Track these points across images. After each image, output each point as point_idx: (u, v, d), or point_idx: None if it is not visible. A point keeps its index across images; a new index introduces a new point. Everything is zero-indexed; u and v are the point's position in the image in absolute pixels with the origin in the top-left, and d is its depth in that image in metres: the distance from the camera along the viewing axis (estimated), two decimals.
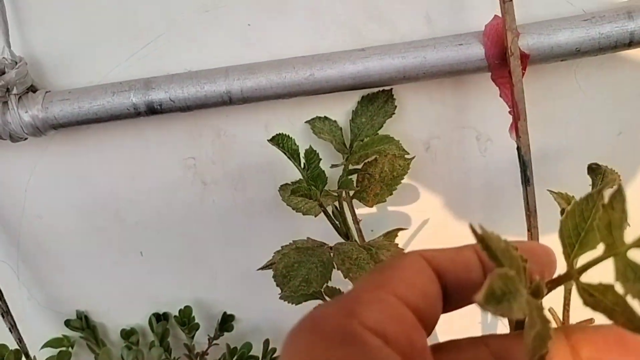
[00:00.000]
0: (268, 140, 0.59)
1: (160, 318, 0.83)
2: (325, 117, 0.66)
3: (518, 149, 0.58)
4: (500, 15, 0.54)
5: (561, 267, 0.32)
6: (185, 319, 0.80)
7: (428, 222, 0.72)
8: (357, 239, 0.66)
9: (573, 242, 0.32)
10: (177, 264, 0.79)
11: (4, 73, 0.59)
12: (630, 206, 0.27)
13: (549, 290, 0.31)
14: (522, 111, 0.55)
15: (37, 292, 0.83)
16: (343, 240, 0.65)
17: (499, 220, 0.71)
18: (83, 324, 0.83)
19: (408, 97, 0.64)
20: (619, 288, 0.28)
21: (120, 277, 0.81)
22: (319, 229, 0.74)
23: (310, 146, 0.62)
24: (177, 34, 0.62)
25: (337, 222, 0.65)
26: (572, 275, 0.29)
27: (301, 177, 0.69)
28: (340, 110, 0.66)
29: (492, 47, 0.55)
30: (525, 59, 0.54)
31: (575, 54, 0.55)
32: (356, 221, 0.67)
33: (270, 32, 0.62)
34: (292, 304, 0.69)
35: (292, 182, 0.69)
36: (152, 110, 0.60)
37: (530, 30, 0.54)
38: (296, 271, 0.53)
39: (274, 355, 0.79)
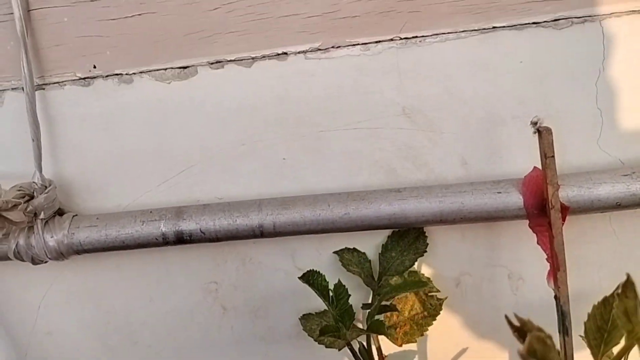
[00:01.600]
0: (299, 277, 0.57)
1: None
2: (355, 249, 0.64)
3: (556, 298, 0.56)
4: (538, 165, 0.54)
5: None
6: None
7: (463, 354, 0.69)
8: None
9: (598, 343, 0.36)
10: None
11: (32, 197, 0.58)
12: None
13: None
14: (562, 262, 0.54)
15: None
16: None
17: None
18: None
19: (440, 234, 0.63)
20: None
21: None
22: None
23: (339, 280, 0.60)
24: (212, 164, 0.62)
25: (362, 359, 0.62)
26: None
27: (325, 309, 0.67)
28: (369, 243, 0.65)
29: (530, 198, 0.54)
30: (565, 211, 0.54)
31: (615, 208, 0.54)
32: (381, 357, 0.64)
33: (305, 167, 0.61)
34: None
35: (315, 313, 0.67)
36: (181, 241, 0.59)
37: (570, 182, 0.54)
38: None
39: None
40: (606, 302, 0.37)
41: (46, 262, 0.62)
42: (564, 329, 0.57)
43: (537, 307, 0.66)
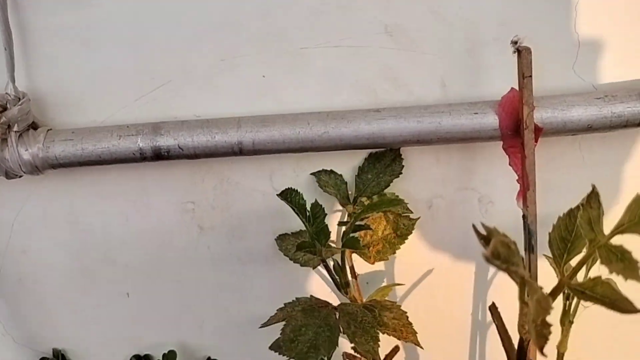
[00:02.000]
0: (277, 194, 0.58)
1: None
2: (331, 171, 0.65)
3: (524, 217, 0.58)
4: (516, 87, 0.55)
5: None
6: None
7: (426, 278, 0.72)
8: (354, 293, 0.66)
9: (561, 252, 0.39)
10: (164, 307, 0.77)
11: (5, 109, 0.57)
12: None
13: (553, 299, 0.36)
14: (532, 182, 0.56)
15: (13, 328, 0.79)
16: (341, 293, 0.64)
17: (497, 282, 0.71)
18: None
19: (415, 156, 0.65)
20: (605, 275, 0.35)
21: (102, 318, 0.78)
22: (314, 280, 0.73)
23: (316, 200, 0.61)
24: (190, 80, 0.61)
25: (336, 277, 0.64)
26: (563, 282, 0.35)
27: (301, 230, 0.68)
28: (346, 165, 0.66)
29: (506, 118, 0.56)
30: (539, 132, 0.55)
31: (586, 130, 0.56)
32: (354, 275, 0.67)
33: (285, 85, 0.61)
34: (283, 355, 0.67)
35: (291, 233, 0.69)
36: (159, 157, 0.59)
37: (544, 104, 0.55)
38: (303, 335, 0.51)
39: None
40: (571, 213, 0.39)
41: (21, 176, 0.61)
42: (530, 247, 0.60)
43: (505, 229, 0.68)
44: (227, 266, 0.73)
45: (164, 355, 0.78)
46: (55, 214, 0.69)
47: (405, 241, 0.64)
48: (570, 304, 0.58)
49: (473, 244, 0.70)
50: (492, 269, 0.72)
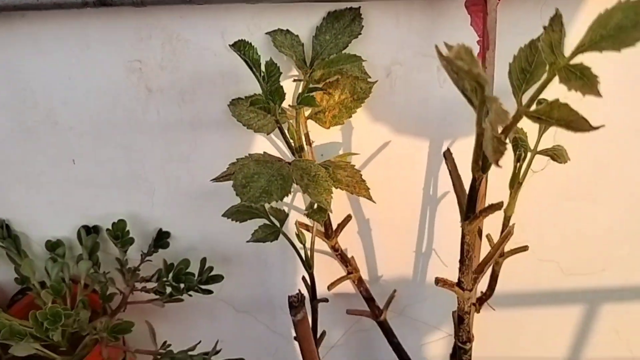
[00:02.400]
0: (230, 45, 0.55)
1: (90, 231, 0.79)
2: (288, 31, 0.62)
3: None
4: None
5: None
6: (119, 232, 0.76)
7: (382, 150, 0.72)
8: (308, 157, 0.65)
9: (520, 83, 0.39)
10: (113, 175, 0.75)
11: None
12: None
13: (511, 128, 0.38)
14: (492, 41, 0.55)
15: None
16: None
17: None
18: (4, 233, 0.77)
19: (375, 17, 0.62)
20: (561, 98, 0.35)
21: (48, 186, 0.75)
22: (268, 148, 0.72)
23: (271, 59, 0.59)
24: None
25: (291, 141, 0.63)
26: (521, 111, 0.35)
27: (255, 93, 0.66)
28: (303, 24, 0.63)
29: None
30: None
31: None
32: (309, 142, 0.66)
33: None
34: (236, 221, 0.67)
35: (245, 97, 0.66)
36: (102, 3, 0.55)
37: None
38: (256, 182, 0.51)
39: (211, 273, 0.77)
40: (532, 44, 0.38)
41: None
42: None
43: (462, 100, 0.67)
44: (178, 133, 0.70)
45: (113, 224, 0.77)
46: None
47: (362, 105, 0.63)
48: (520, 166, 0.59)
49: (429, 115, 0.70)
50: (446, 142, 0.72)
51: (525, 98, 0.40)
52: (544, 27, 0.34)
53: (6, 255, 0.78)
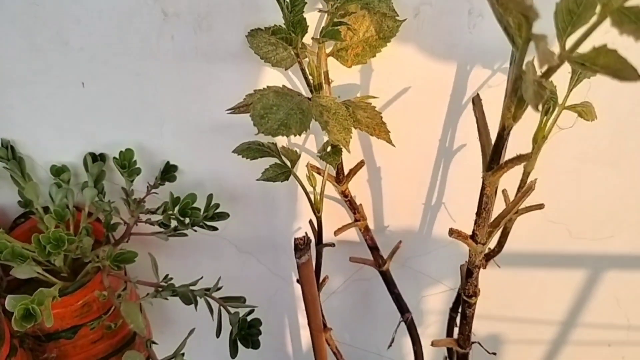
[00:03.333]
0: None
1: (96, 158, 0.77)
2: None
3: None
4: None
5: None
6: (126, 162, 0.74)
7: (404, 93, 0.69)
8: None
9: (566, 25, 0.37)
10: (122, 103, 0.72)
11: None
12: None
13: (547, 78, 0.36)
14: None
15: None
16: None
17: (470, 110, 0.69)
18: (8, 154, 0.75)
19: None
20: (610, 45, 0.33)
21: (55, 108, 0.73)
22: (285, 84, 0.69)
23: None
24: None
25: (310, 78, 0.60)
26: (564, 55, 0.34)
27: (275, 25, 0.63)
28: None
29: None
30: None
31: None
32: (328, 81, 0.63)
33: None
34: (247, 158, 0.65)
35: (264, 28, 0.63)
36: None
37: None
38: (274, 114, 0.48)
39: (217, 210, 0.76)
40: None
41: None
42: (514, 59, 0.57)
43: (491, 47, 0.65)
44: (192, 62, 0.68)
45: (120, 153, 0.75)
46: None
47: (387, 44, 0.60)
48: (547, 120, 0.57)
49: (455, 62, 0.67)
50: (468, 94, 0.70)
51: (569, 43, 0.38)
52: None
53: (10, 178, 0.77)
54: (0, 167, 0.76)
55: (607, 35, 0.35)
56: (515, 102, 0.39)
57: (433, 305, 0.96)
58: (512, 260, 0.88)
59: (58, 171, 0.77)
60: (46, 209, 0.76)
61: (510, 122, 0.40)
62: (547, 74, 0.35)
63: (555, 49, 0.38)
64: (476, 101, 0.49)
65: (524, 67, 0.35)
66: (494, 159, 0.45)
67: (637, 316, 0.98)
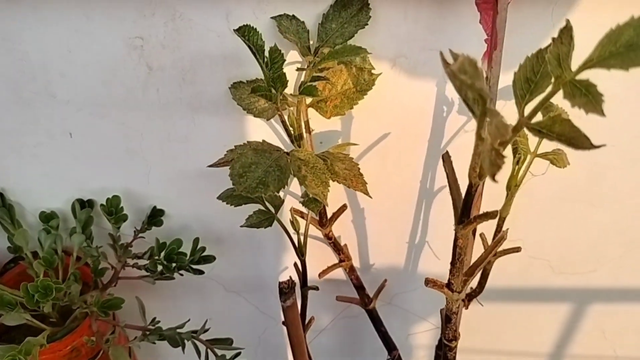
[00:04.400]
0: (234, 30, 0.54)
1: (84, 205, 0.79)
2: (294, 16, 0.61)
3: (487, 79, 0.57)
4: None
5: None
6: (113, 208, 0.76)
7: (381, 141, 0.71)
8: (307, 147, 0.64)
9: (524, 93, 0.39)
10: (109, 151, 0.74)
11: None
12: None
13: (510, 141, 0.37)
14: (500, 41, 0.54)
15: None
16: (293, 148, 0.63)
17: (452, 149, 0.71)
18: None
19: (383, 8, 0.61)
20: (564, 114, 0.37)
21: (44, 158, 0.75)
22: (267, 134, 0.71)
23: (275, 44, 0.58)
24: None
25: (291, 129, 0.62)
26: (522, 122, 0.37)
27: (257, 78, 0.65)
28: (309, 11, 0.62)
29: None
30: None
31: None
32: (309, 130, 0.65)
33: None
34: (231, 205, 0.67)
35: (247, 81, 0.66)
36: None
37: None
38: (253, 172, 0.50)
39: (203, 253, 0.77)
40: (539, 54, 0.38)
41: None
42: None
43: None
44: (177, 112, 0.70)
45: (107, 200, 0.76)
46: None
47: (364, 97, 0.62)
48: (519, 169, 0.59)
49: (431, 109, 0.69)
50: (446, 138, 0.72)
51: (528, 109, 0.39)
52: (553, 39, 0.33)
53: (0, 225, 0.78)
54: None
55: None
56: (479, 164, 0.40)
57: (420, 342, 0.96)
58: (496, 296, 0.89)
59: (47, 217, 0.78)
60: (35, 254, 0.77)
61: (476, 181, 0.41)
62: (503, 144, 0.37)
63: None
64: (445, 158, 0.51)
65: (482, 135, 0.37)
66: (464, 213, 0.47)
67: (623, 347, 0.99)
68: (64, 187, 0.78)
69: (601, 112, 0.32)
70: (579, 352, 1.00)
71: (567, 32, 0.33)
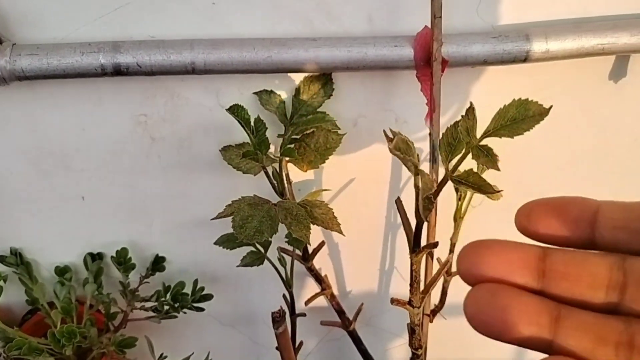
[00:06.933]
0: (226, 109, 0.67)
1: (95, 257, 0.89)
2: (272, 91, 0.75)
3: (430, 134, 0.71)
4: (429, 26, 0.66)
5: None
6: (122, 259, 0.87)
7: (349, 185, 0.85)
8: (289, 196, 0.77)
9: (447, 154, 0.52)
10: (117, 209, 0.85)
11: None
12: None
13: (439, 191, 0.51)
14: (437, 105, 0.69)
15: None
16: (278, 197, 0.76)
17: (408, 188, 0.85)
18: (17, 260, 0.87)
19: (343, 81, 0.75)
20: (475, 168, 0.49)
21: (58, 219, 0.86)
22: (253, 187, 0.84)
23: (258, 116, 0.71)
24: (145, 3, 0.67)
25: (275, 182, 0.75)
26: (448, 175, 0.48)
27: (244, 141, 0.78)
28: (285, 87, 0.75)
29: (420, 51, 0.67)
30: (445, 64, 0.67)
31: (483, 63, 0.68)
32: (289, 182, 0.78)
33: (233, 12, 0.69)
34: (227, 249, 0.79)
35: (235, 145, 0.78)
36: (118, 72, 0.66)
37: (450, 41, 0.67)
38: (250, 223, 0.63)
39: (202, 293, 0.89)
40: (455, 124, 0.51)
41: None
42: (433, 158, 0.73)
43: (415, 143, 0.81)
44: (176, 174, 0.82)
45: (117, 252, 0.87)
46: (16, 122, 0.75)
47: (333, 153, 0.76)
48: (461, 204, 0.73)
49: (389, 158, 0.83)
50: (403, 179, 0.86)
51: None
52: (462, 116, 0.47)
53: (18, 280, 0.88)
54: (10, 271, 0.88)
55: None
56: (422, 207, 0.54)
57: (396, 357, 1.09)
58: (458, 310, 1.02)
59: (61, 271, 0.89)
60: (51, 305, 0.87)
61: (422, 220, 0.55)
62: (435, 193, 0.50)
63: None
64: (398, 202, 0.64)
65: (418, 184, 0.50)
66: (415, 244, 0.60)
67: None
68: (76, 243, 0.89)
69: (497, 168, 0.46)
70: (538, 355, 1.13)
71: (471, 111, 0.47)
